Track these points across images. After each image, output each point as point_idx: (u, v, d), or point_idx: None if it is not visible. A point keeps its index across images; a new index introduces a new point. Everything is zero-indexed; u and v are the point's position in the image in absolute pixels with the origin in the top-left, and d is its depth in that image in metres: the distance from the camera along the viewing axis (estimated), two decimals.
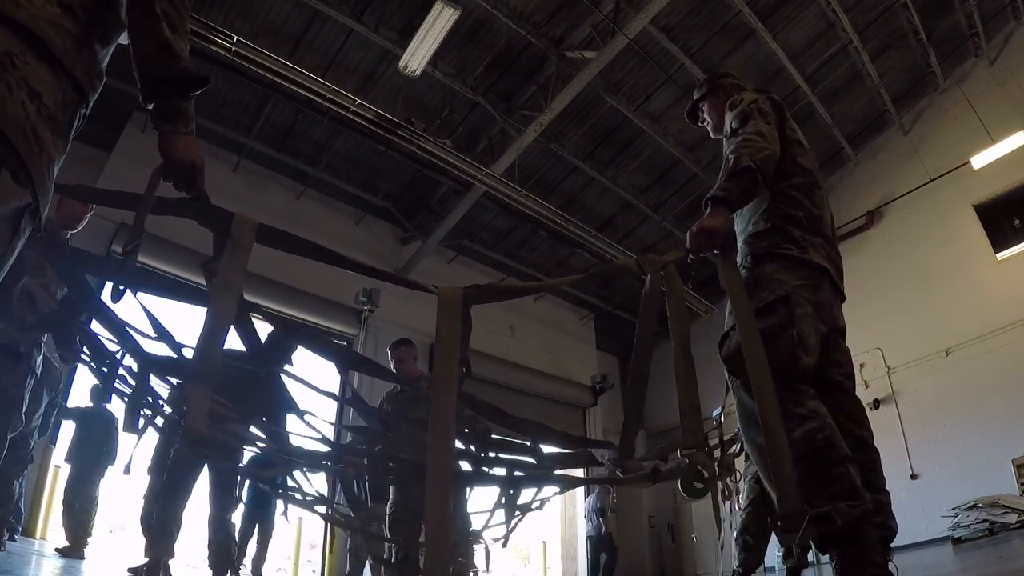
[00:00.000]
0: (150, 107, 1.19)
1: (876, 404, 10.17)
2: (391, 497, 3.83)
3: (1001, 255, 9.83)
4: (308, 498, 2.11)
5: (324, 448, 2.01)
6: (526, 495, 2.06)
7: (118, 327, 1.62)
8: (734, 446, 2.22)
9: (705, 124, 2.44)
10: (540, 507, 2.10)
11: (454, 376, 1.46)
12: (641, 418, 1.99)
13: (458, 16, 7.29)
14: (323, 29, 8.19)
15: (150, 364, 1.65)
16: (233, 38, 6.91)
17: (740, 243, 1.98)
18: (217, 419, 1.66)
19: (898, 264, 10.73)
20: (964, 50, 10.88)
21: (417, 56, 7.76)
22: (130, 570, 3.77)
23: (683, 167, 11.29)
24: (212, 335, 1.34)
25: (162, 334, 1.64)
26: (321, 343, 1.86)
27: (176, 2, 1.14)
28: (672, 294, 1.80)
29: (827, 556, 1.59)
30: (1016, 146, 9.13)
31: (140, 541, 3.72)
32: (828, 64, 10.20)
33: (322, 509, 2.24)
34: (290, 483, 2.08)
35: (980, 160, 9.55)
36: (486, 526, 2.09)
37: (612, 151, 10.82)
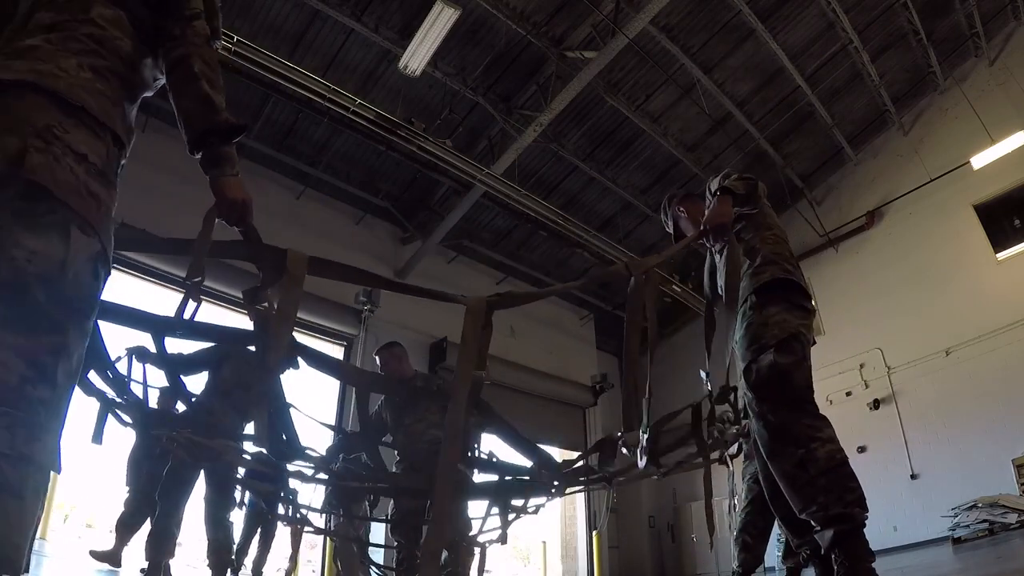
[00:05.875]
0: (197, 156, 1.33)
1: (876, 404, 10.16)
2: (391, 503, 3.82)
3: (1001, 255, 9.83)
4: (301, 513, 2.15)
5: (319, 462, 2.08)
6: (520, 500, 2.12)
7: (119, 381, 1.66)
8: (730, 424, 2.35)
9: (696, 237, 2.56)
10: (535, 511, 2.15)
11: (472, 373, 1.70)
12: (641, 391, 2.16)
13: (458, 16, 7.28)
14: (323, 29, 8.18)
15: (151, 419, 1.69)
16: (233, 38, 6.92)
17: (744, 282, 2.19)
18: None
19: (898, 264, 10.72)
20: (964, 50, 10.88)
21: (417, 56, 7.75)
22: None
23: (683, 167, 11.29)
24: (271, 368, 1.45)
25: (178, 391, 1.71)
26: (324, 361, 1.97)
27: (210, 61, 1.30)
28: (649, 297, 2.03)
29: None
30: (1016, 146, 9.12)
31: (141, 541, 3.72)
32: (828, 64, 10.20)
33: (318, 523, 2.32)
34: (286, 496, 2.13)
35: (980, 160, 9.55)
36: (481, 530, 2.13)
37: (612, 151, 10.82)
